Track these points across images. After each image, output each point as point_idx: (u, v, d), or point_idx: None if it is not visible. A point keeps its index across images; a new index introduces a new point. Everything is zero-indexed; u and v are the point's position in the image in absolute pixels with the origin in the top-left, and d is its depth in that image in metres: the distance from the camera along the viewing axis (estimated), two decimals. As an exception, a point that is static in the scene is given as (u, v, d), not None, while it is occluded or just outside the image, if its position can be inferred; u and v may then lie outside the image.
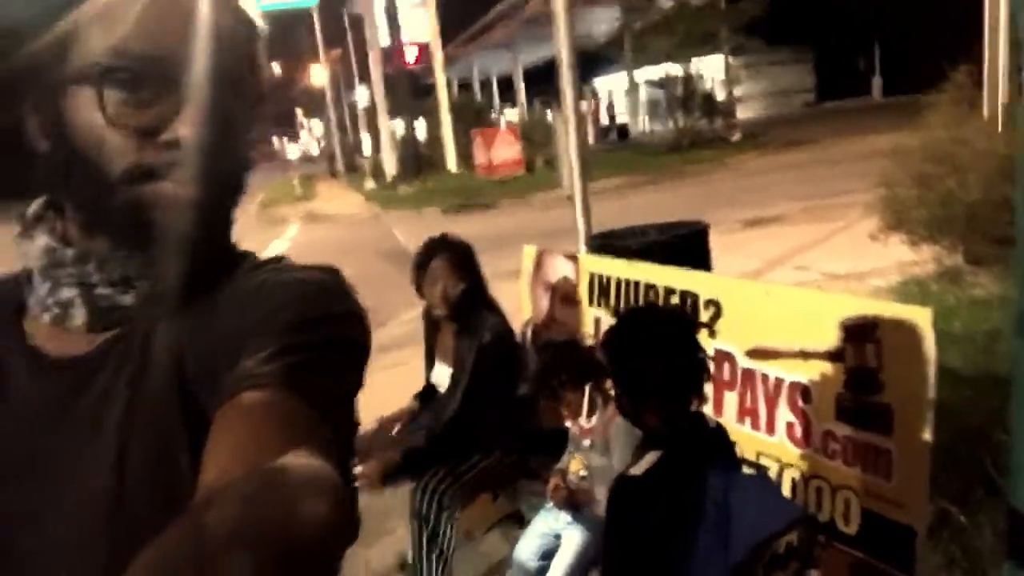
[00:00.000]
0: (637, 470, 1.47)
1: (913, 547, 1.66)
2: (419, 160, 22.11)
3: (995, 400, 2.44)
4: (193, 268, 0.67)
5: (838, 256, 6.86)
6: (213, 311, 0.68)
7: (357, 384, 0.68)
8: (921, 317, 1.63)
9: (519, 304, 3.30)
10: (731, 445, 1.59)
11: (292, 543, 0.44)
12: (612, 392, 2.12)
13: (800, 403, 1.92)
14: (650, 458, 1.46)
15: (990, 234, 4.80)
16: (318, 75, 33.26)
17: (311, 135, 63.49)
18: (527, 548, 2.24)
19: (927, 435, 1.63)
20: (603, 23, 22.54)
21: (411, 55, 25.88)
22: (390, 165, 22.87)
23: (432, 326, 2.80)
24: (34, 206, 0.72)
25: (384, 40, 25.04)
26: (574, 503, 2.12)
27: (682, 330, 1.52)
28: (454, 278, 2.58)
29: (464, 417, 2.59)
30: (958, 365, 2.86)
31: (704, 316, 2.21)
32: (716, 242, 3.46)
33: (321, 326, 0.65)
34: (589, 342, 2.64)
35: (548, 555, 2.18)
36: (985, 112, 5.26)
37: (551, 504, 2.18)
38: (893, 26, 28.42)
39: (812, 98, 33.09)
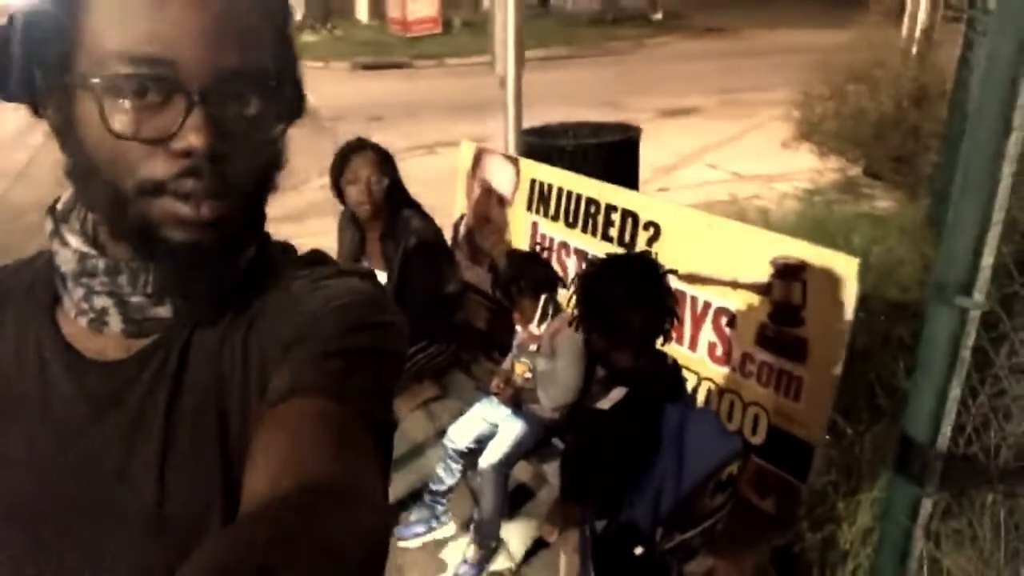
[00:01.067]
0: (605, 404, 1.59)
1: (810, 460, 1.90)
2: (327, 5, 20.69)
3: (885, 324, 2.71)
4: (222, 278, 0.66)
5: (749, 156, 7.09)
6: (255, 317, 0.68)
7: (394, 391, 0.69)
8: (848, 265, 1.78)
9: (436, 187, 3.28)
10: (683, 381, 1.74)
11: (342, 555, 0.45)
12: (562, 304, 2.24)
13: (724, 327, 2.09)
14: (616, 394, 1.58)
15: (891, 153, 5.11)
16: None
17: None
18: (465, 432, 2.39)
19: (837, 369, 1.83)
20: None
21: None
22: (296, 5, 21.34)
23: (354, 234, 2.76)
24: (63, 201, 0.68)
25: None
26: (517, 401, 2.28)
27: (658, 279, 1.61)
28: (377, 174, 2.56)
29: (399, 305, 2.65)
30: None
31: (643, 237, 2.32)
32: None
33: (363, 335, 0.65)
34: (518, 246, 2.72)
35: (481, 440, 2.35)
36: (903, 35, 5.44)
37: (492, 397, 2.33)
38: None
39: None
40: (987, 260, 1.49)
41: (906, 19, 5.28)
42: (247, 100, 0.61)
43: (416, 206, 2.74)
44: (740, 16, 19.75)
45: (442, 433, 2.76)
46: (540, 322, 2.22)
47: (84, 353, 0.67)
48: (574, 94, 10.33)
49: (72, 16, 0.59)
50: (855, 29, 5.60)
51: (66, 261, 0.66)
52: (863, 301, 2.56)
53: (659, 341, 1.61)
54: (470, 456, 2.39)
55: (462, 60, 13.82)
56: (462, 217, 3.13)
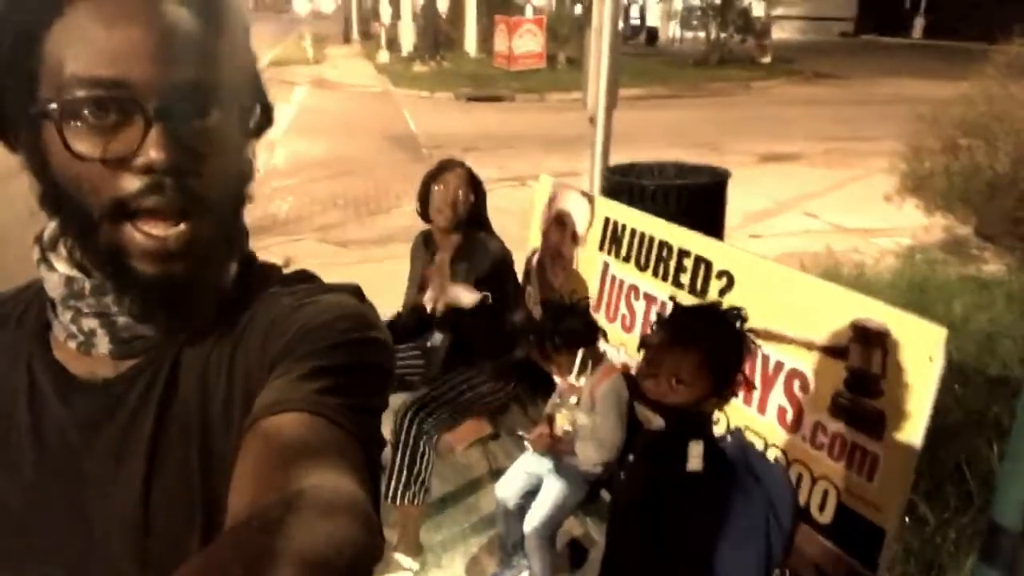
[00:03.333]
0: (696, 465, 1.54)
1: (881, 547, 1.72)
2: (437, 38, 21.31)
3: (980, 400, 2.47)
4: (202, 301, 0.67)
5: (850, 208, 6.79)
6: (242, 334, 0.69)
7: (382, 407, 0.69)
8: (934, 335, 1.62)
9: (522, 219, 3.26)
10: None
11: (325, 567, 0.45)
12: (604, 355, 2.15)
13: (796, 390, 1.94)
14: (698, 451, 1.53)
15: (1007, 213, 4.75)
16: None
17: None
18: (510, 486, 2.31)
19: (916, 447, 1.66)
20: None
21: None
22: (407, 39, 22.04)
23: (425, 253, 2.77)
24: (49, 230, 0.70)
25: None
26: (555, 452, 2.18)
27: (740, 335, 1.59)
28: (465, 188, 2.60)
29: (457, 340, 2.62)
30: (950, 353, 2.87)
31: (716, 285, 2.19)
32: None
33: (347, 350, 0.65)
34: (591, 288, 2.64)
35: (530, 495, 2.26)
36: (1028, 85, 5.08)
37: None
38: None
39: (850, 28, 31.84)
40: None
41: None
42: (206, 114, 0.62)
43: (493, 233, 2.72)
44: (851, 64, 19.22)
45: (497, 473, 2.69)
46: (580, 374, 2.13)
47: (74, 375, 0.68)
48: (672, 134, 10.22)
49: (31, 46, 0.60)
50: (972, 82, 5.29)
51: (54, 287, 0.68)
52: (959, 374, 2.35)
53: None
54: (520, 514, 2.30)
55: (563, 96, 13.90)
56: (535, 252, 3.07)
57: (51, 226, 0.70)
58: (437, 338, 2.70)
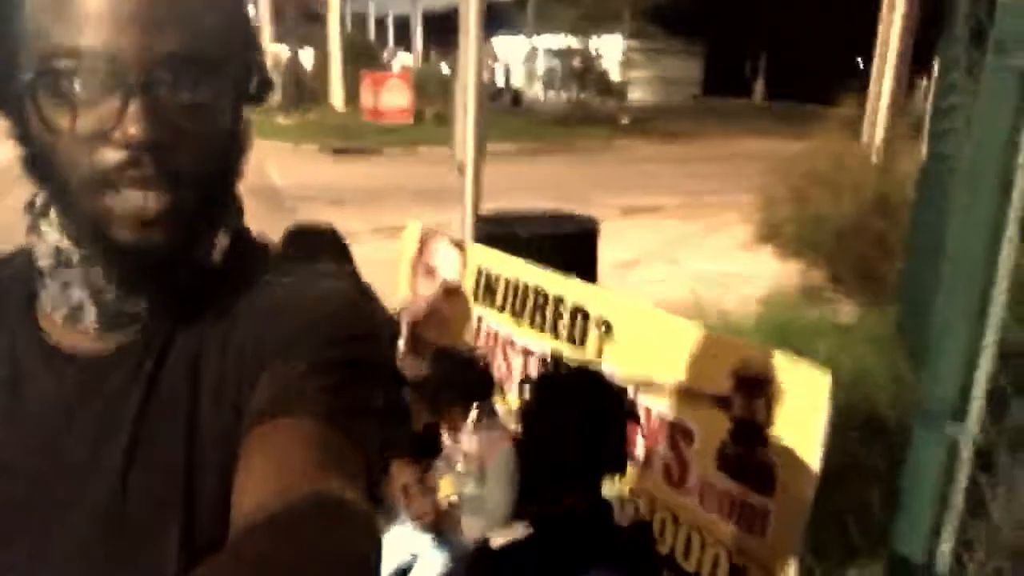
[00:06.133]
0: (497, 539, 1.34)
1: (775, 607, 1.63)
2: (302, 91, 20.97)
3: (854, 445, 2.49)
4: (186, 273, 0.65)
5: (710, 257, 7.06)
6: (235, 320, 0.66)
7: (381, 404, 0.66)
8: (818, 379, 1.57)
9: (394, 271, 3.09)
10: (618, 541, 1.48)
11: (327, 574, 0.45)
12: (499, 412, 1.99)
13: (681, 445, 1.85)
14: (516, 531, 1.33)
15: (855, 258, 5.04)
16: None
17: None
18: None
19: (808, 499, 1.59)
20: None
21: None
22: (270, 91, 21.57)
23: None
24: (40, 198, 0.67)
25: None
26: (439, 528, 1.97)
27: (613, 403, 1.40)
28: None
29: None
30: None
31: (594, 335, 2.10)
32: None
33: (346, 347, 0.63)
34: (471, 342, 2.48)
35: (403, 572, 2.02)
36: (864, 141, 5.49)
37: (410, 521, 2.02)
38: (783, 33, 29.71)
39: (698, 91, 34.16)
40: (981, 381, 1.29)
41: (865, 124, 5.33)
42: (192, 86, 0.60)
43: (372, 296, 2.50)
44: (701, 124, 20.48)
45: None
46: (474, 431, 1.95)
47: (58, 348, 0.66)
48: (540, 187, 10.38)
49: (12, 13, 0.59)
50: (814, 138, 5.66)
51: (43, 255, 0.66)
52: (834, 419, 2.34)
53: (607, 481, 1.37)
54: None
55: (430, 149, 13.92)
56: (404, 305, 2.89)
57: (42, 194, 0.67)
58: None
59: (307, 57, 24.53)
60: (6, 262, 0.73)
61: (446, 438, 2.03)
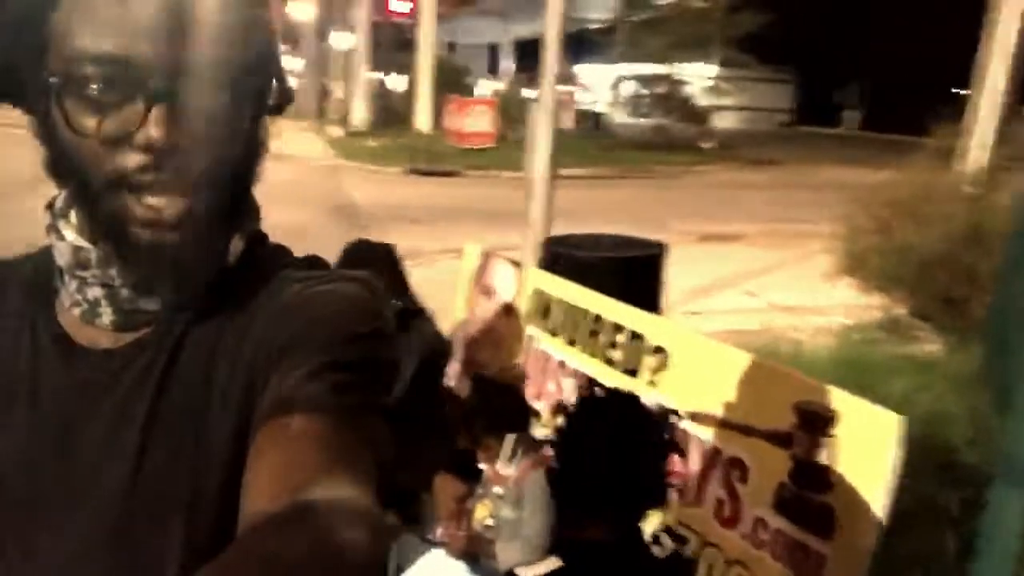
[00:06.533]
0: (526, 573, 1.27)
1: (831, 664, 1.51)
2: (390, 115, 21.55)
3: (929, 487, 2.32)
4: (200, 274, 0.66)
5: (788, 287, 6.81)
6: (248, 320, 0.68)
7: (389, 403, 0.67)
8: (888, 422, 1.46)
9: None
10: None
11: (335, 573, 0.46)
12: (534, 440, 1.93)
13: (735, 481, 1.75)
14: (543, 566, 1.26)
15: (940, 293, 4.77)
16: (302, 10, 32.03)
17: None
18: None
19: (869, 547, 1.47)
20: (599, 10, 22.19)
21: (402, 7, 25.09)
22: (360, 115, 22.23)
23: None
24: (61, 198, 0.69)
25: (376, -15, 24.17)
26: (472, 553, 1.92)
27: (655, 433, 1.33)
28: (389, 296, 2.31)
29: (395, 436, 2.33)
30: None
31: (648, 363, 2.02)
32: (670, 251, 3.31)
33: (356, 346, 0.64)
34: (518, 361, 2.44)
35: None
36: (956, 170, 5.21)
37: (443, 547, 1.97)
38: (878, 62, 28.80)
39: (788, 120, 33.37)
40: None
41: (959, 156, 5.05)
42: (211, 93, 0.62)
43: (425, 316, 2.47)
44: (788, 151, 19.93)
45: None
46: (508, 462, 1.89)
47: (77, 343, 0.68)
48: (617, 212, 10.28)
49: (42, 17, 0.61)
50: (905, 168, 5.40)
51: (62, 254, 0.67)
52: (906, 462, 2.19)
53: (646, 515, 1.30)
54: None
55: (511, 173, 14.02)
56: (461, 324, 2.88)
57: (63, 195, 0.69)
58: None
59: (399, 83, 25.20)
60: (28, 260, 0.75)
61: (482, 464, 1.98)
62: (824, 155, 18.78)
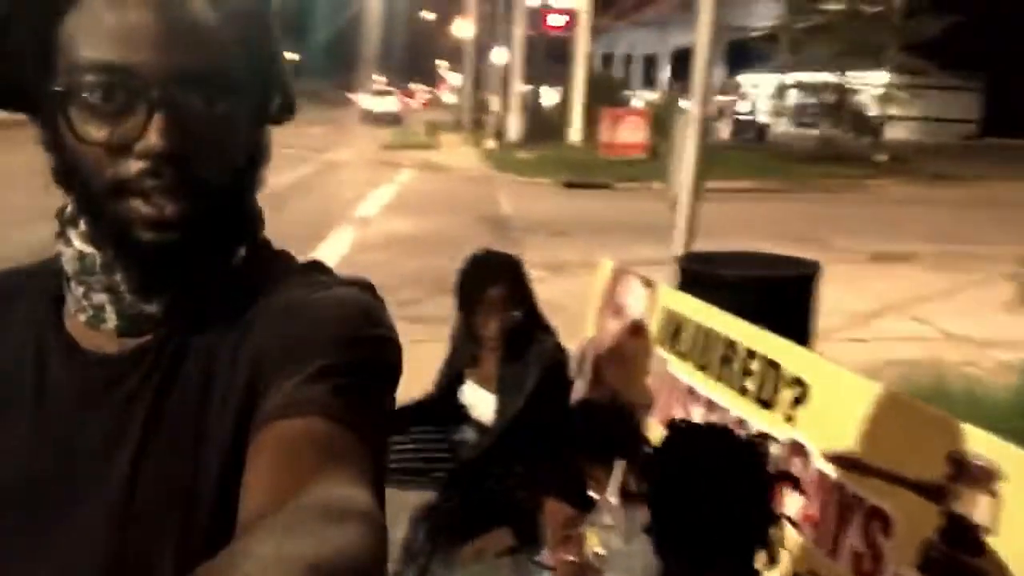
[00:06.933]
0: None
1: None
2: (543, 127, 21.81)
3: None
4: (201, 277, 0.67)
5: (965, 314, 6.19)
6: (250, 324, 0.68)
7: (390, 406, 0.68)
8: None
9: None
10: None
11: (335, 575, 0.45)
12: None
13: (877, 534, 1.57)
14: None
15: None
16: (463, 28, 33.19)
17: (448, 87, 64.00)
18: None
19: (1034, 630, 1.27)
20: (762, 18, 21.39)
21: (558, 21, 25.40)
22: (514, 127, 22.68)
23: (470, 344, 2.45)
24: (69, 207, 0.70)
25: (533, 1, 24.63)
26: (579, 581, 1.85)
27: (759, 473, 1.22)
28: (511, 307, 2.27)
29: (506, 450, 2.31)
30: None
31: (786, 395, 1.87)
32: (834, 272, 3.06)
33: (357, 349, 0.65)
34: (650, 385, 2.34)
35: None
36: None
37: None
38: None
39: (975, 131, 30.53)
40: None
41: None
42: (212, 101, 0.63)
43: (548, 328, 2.43)
44: (972, 166, 18.24)
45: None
46: (621, 490, 1.80)
47: (82, 348, 0.69)
48: (775, 228, 9.81)
49: (49, 27, 0.62)
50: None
51: (68, 261, 0.69)
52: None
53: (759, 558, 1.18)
54: None
55: (663, 185, 13.75)
56: (590, 341, 2.81)
57: (72, 203, 0.70)
58: (467, 433, 2.43)
59: (552, 95, 25.52)
60: (38, 268, 0.77)
61: (592, 492, 1.90)
62: (1013, 171, 16.98)
